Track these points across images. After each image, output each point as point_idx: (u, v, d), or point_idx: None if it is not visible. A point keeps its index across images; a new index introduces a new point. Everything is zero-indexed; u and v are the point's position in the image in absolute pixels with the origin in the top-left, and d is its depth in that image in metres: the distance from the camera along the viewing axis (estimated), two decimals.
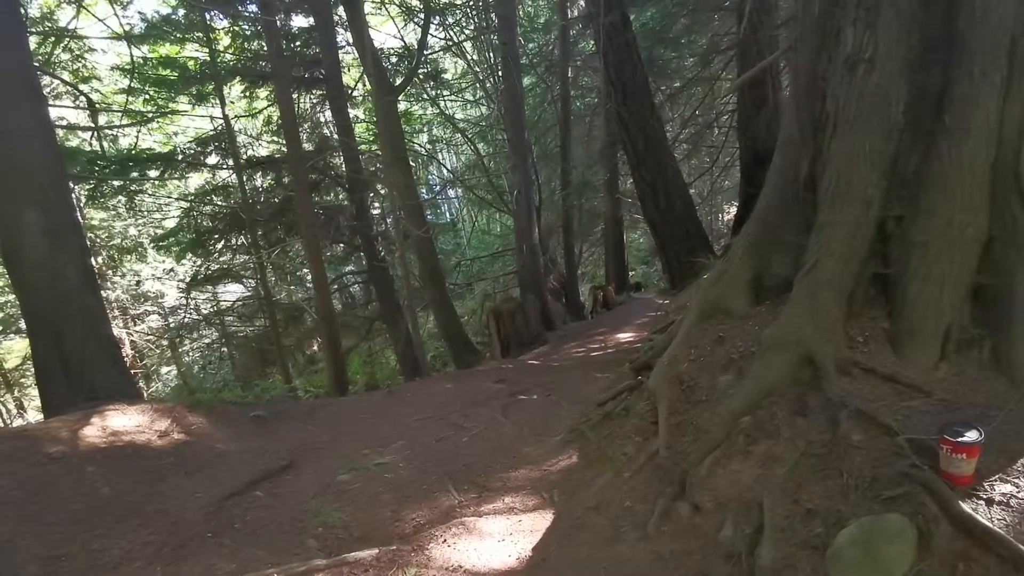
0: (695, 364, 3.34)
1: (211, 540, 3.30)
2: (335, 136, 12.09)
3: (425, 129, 18.58)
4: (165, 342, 15.33)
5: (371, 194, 12.72)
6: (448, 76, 15.22)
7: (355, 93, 13.42)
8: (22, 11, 7.08)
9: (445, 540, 3.07)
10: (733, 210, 16.27)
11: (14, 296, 8.57)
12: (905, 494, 2.09)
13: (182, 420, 4.80)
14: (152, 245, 13.80)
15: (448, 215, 23.00)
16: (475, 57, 14.12)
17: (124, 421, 4.48)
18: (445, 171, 18.91)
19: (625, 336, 9.36)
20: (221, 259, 12.74)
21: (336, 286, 13.28)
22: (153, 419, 4.65)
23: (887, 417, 2.40)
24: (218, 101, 10.82)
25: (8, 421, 12.85)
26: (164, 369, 16.54)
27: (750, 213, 3.77)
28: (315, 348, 14.82)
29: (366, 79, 11.32)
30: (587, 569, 2.63)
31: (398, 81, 10.82)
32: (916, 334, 2.73)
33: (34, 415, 12.36)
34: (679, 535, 2.60)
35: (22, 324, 8.29)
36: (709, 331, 3.48)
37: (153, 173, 11.73)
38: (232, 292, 15.14)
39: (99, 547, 3.11)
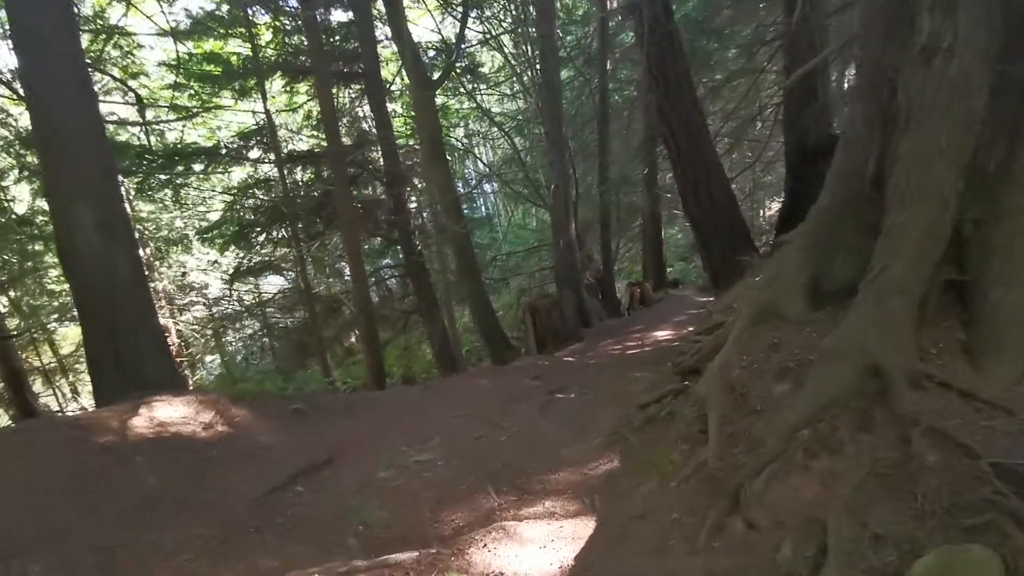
0: (748, 371, 3.19)
1: (255, 535, 3.32)
2: (374, 130, 12.17)
3: (462, 123, 18.58)
4: (209, 332, 15.75)
5: (409, 188, 12.77)
6: (485, 70, 15.17)
7: (393, 87, 13.49)
8: (75, 9, 7.26)
9: (485, 544, 3.01)
10: (775, 206, 15.81)
11: (68, 285, 8.87)
12: (988, 523, 1.93)
13: (226, 412, 4.88)
14: (197, 237, 14.18)
15: (484, 209, 23.02)
16: (513, 50, 14.00)
17: (171, 412, 4.57)
18: (482, 165, 18.89)
19: (663, 334, 9.17)
20: (263, 251, 13.01)
21: (374, 279, 13.40)
22: (198, 410, 4.73)
23: (965, 437, 2.23)
24: (260, 96, 10.97)
25: (63, 405, 13.37)
26: (208, 358, 17.04)
27: (796, 210, 3.60)
28: (353, 340, 15.03)
29: (404, 73, 11.33)
30: None
31: (436, 75, 10.79)
32: (997, 346, 2.53)
33: (87, 400, 12.83)
34: (733, 552, 2.47)
35: (75, 312, 8.56)
36: (763, 336, 3.31)
37: (198, 167, 12.01)
38: (273, 284, 15.45)
39: (152, 538, 3.17)
